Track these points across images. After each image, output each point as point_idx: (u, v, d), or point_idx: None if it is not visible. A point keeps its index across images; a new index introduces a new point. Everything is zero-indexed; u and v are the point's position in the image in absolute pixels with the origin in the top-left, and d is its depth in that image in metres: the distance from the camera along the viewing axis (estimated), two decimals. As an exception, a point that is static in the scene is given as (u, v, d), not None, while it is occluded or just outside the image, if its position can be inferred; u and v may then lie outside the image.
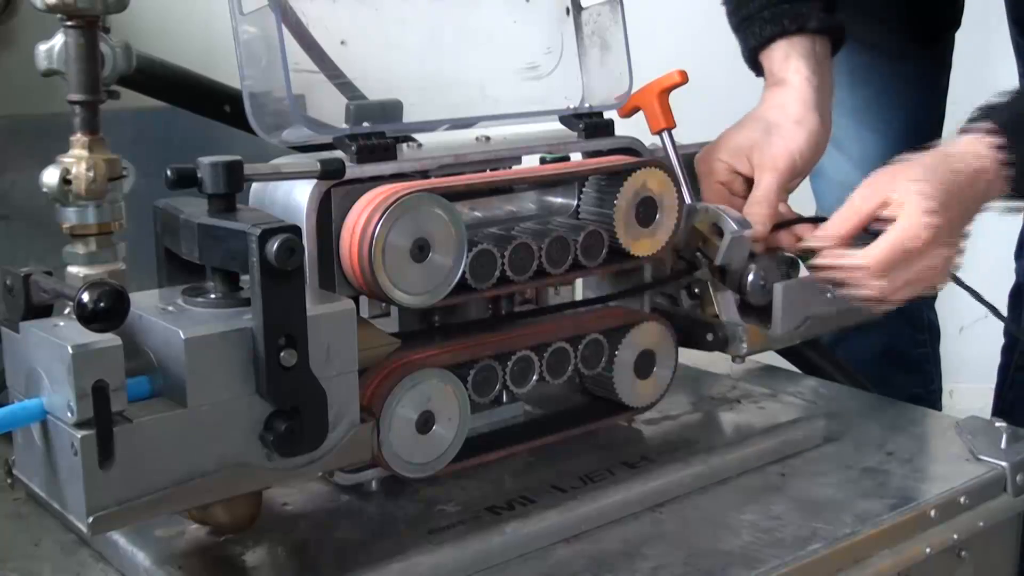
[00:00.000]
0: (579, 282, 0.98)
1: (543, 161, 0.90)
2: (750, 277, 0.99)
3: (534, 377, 0.86)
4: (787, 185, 1.06)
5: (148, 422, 0.63)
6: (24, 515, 0.84)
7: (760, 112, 1.09)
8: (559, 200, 0.90)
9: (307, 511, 0.81)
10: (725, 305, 0.98)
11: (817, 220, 1.05)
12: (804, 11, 1.08)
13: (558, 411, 0.94)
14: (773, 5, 1.09)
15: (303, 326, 0.66)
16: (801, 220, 1.06)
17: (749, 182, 1.07)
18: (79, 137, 0.84)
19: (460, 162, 0.84)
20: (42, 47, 0.85)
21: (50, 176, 0.84)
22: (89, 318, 0.60)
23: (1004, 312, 1.59)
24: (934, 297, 1.58)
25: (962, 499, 0.89)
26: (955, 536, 0.88)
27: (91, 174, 0.83)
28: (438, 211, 0.77)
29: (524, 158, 0.89)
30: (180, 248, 0.72)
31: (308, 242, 0.75)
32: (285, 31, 0.77)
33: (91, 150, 0.84)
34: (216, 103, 1.15)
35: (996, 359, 1.59)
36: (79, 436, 0.61)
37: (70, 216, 0.85)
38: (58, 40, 0.84)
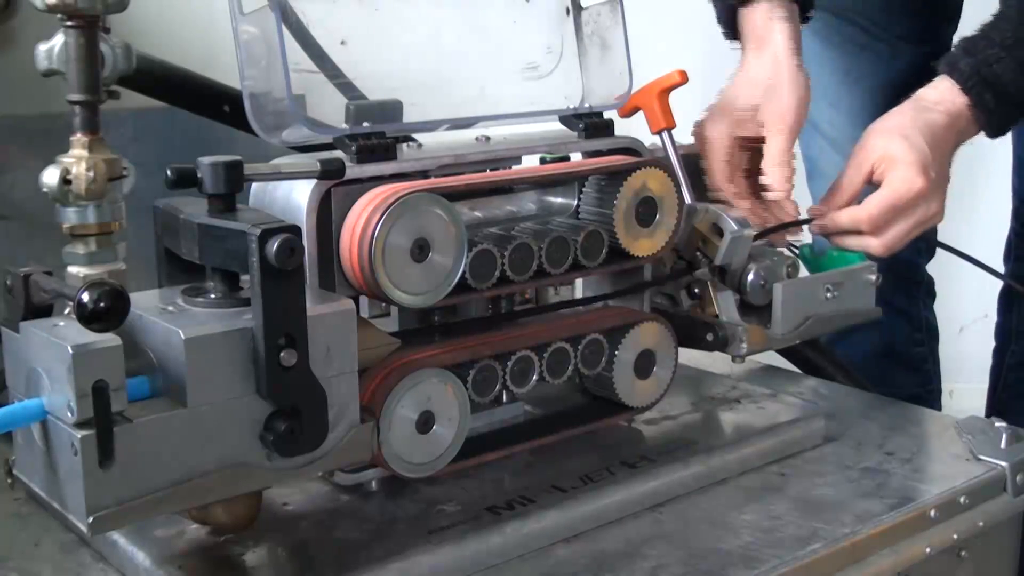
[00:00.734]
0: (579, 282, 0.98)
1: (543, 161, 0.90)
2: (750, 277, 0.99)
3: (534, 377, 0.86)
4: (794, 141, 1.08)
5: (148, 422, 0.63)
6: (24, 515, 0.84)
7: (752, 74, 1.10)
8: (559, 200, 0.90)
9: (307, 511, 0.81)
10: (725, 305, 0.98)
11: (804, 222, 1.06)
12: None
13: (558, 411, 0.94)
14: None
15: (303, 326, 0.66)
16: (798, 223, 1.07)
17: (749, 153, 1.08)
18: (79, 137, 0.84)
19: (460, 162, 0.84)
20: (42, 47, 0.85)
21: (50, 176, 0.84)
22: (89, 318, 0.60)
23: (995, 315, 1.60)
24: (933, 298, 1.59)
25: (962, 499, 0.89)
26: (955, 536, 0.89)
27: (91, 174, 0.83)
28: (438, 211, 0.77)
29: (524, 158, 0.89)
30: (180, 248, 0.72)
31: (308, 242, 0.75)
32: (285, 31, 0.77)
33: (91, 150, 0.84)
34: (216, 103, 1.15)
35: (994, 360, 1.60)
36: (79, 436, 0.61)
37: (70, 216, 0.85)
38: (58, 40, 0.84)
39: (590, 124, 0.91)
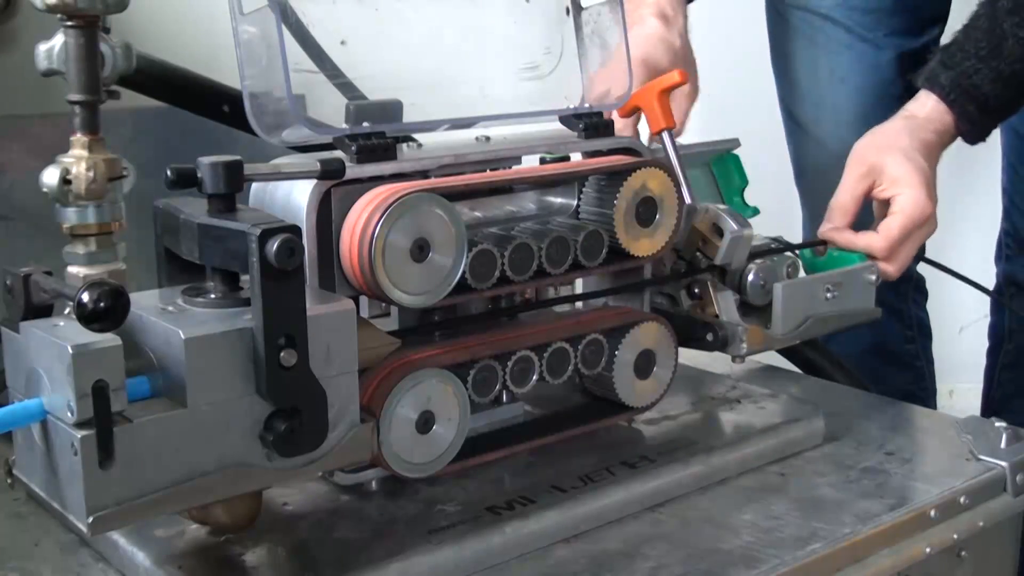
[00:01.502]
0: (579, 282, 0.98)
1: (543, 161, 0.90)
2: (750, 277, 0.99)
3: (534, 377, 0.86)
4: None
5: (148, 422, 0.63)
6: (24, 515, 0.84)
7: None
8: (559, 200, 0.90)
9: (307, 511, 0.81)
10: (725, 305, 0.98)
11: (819, 244, 1.07)
12: None
13: (558, 411, 0.94)
14: None
15: (303, 326, 0.66)
16: (811, 244, 1.07)
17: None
18: (79, 137, 0.84)
19: (460, 162, 0.84)
20: (42, 47, 0.85)
21: (50, 176, 0.84)
22: (89, 318, 0.60)
23: (988, 315, 1.60)
24: (924, 296, 1.60)
25: (962, 499, 0.89)
26: (955, 536, 0.89)
27: (91, 174, 0.83)
28: (438, 211, 0.77)
29: (524, 158, 0.89)
30: (180, 248, 0.72)
31: (308, 242, 0.75)
32: (285, 31, 0.77)
33: (91, 150, 0.84)
34: (216, 103, 1.15)
35: (996, 360, 1.60)
36: (79, 436, 0.61)
37: (70, 216, 0.85)
38: (58, 40, 0.84)
39: (590, 124, 0.91)
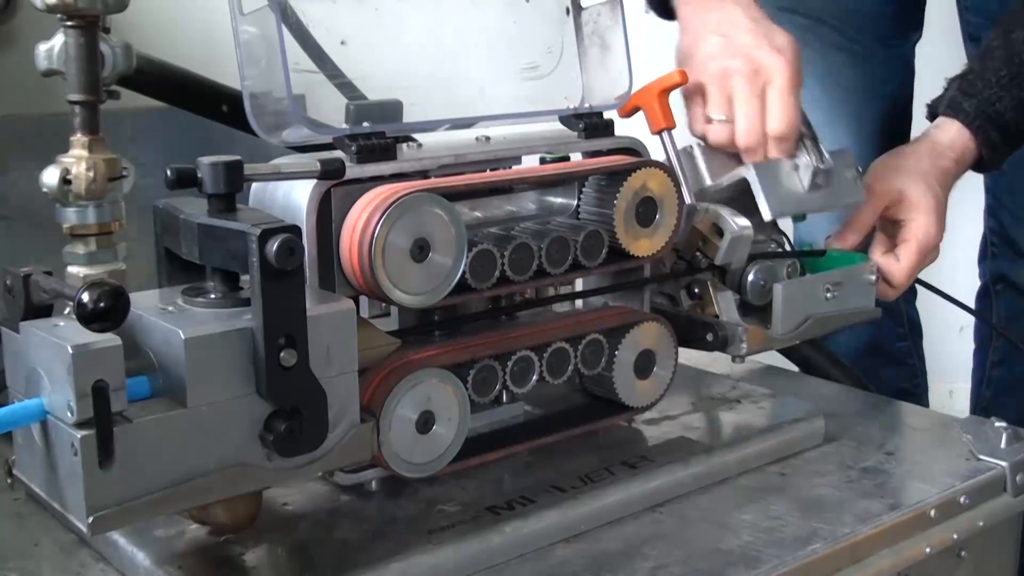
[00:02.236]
0: (579, 282, 0.98)
1: (543, 161, 0.90)
2: (750, 277, 0.99)
3: (534, 377, 0.86)
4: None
5: (148, 422, 0.63)
6: (24, 515, 0.85)
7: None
8: (559, 200, 0.90)
9: (307, 511, 0.81)
10: (725, 305, 0.98)
11: (816, 253, 1.07)
12: None
13: (558, 411, 0.94)
14: None
15: (303, 326, 0.66)
16: (815, 252, 1.08)
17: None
18: (79, 137, 0.84)
19: (460, 162, 0.84)
20: (42, 47, 0.85)
21: (50, 176, 0.84)
22: (89, 318, 0.60)
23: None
24: (915, 295, 1.60)
25: (962, 499, 0.89)
26: (955, 536, 0.89)
27: (91, 174, 0.83)
28: (438, 211, 0.77)
29: (524, 158, 0.89)
30: (180, 248, 0.72)
31: (308, 242, 0.75)
32: (285, 31, 0.77)
33: (91, 150, 0.84)
34: (216, 103, 1.15)
35: (996, 359, 1.60)
36: (79, 436, 0.61)
37: (70, 216, 0.85)
38: (58, 40, 0.84)
39: (590, 124, 0.91)
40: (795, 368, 1.21)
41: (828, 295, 1.01)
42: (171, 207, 0.72)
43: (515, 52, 0.94)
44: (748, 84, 1.00)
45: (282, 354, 0.66)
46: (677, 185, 0.90)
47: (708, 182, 1.03)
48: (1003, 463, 0.93)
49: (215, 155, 0.69)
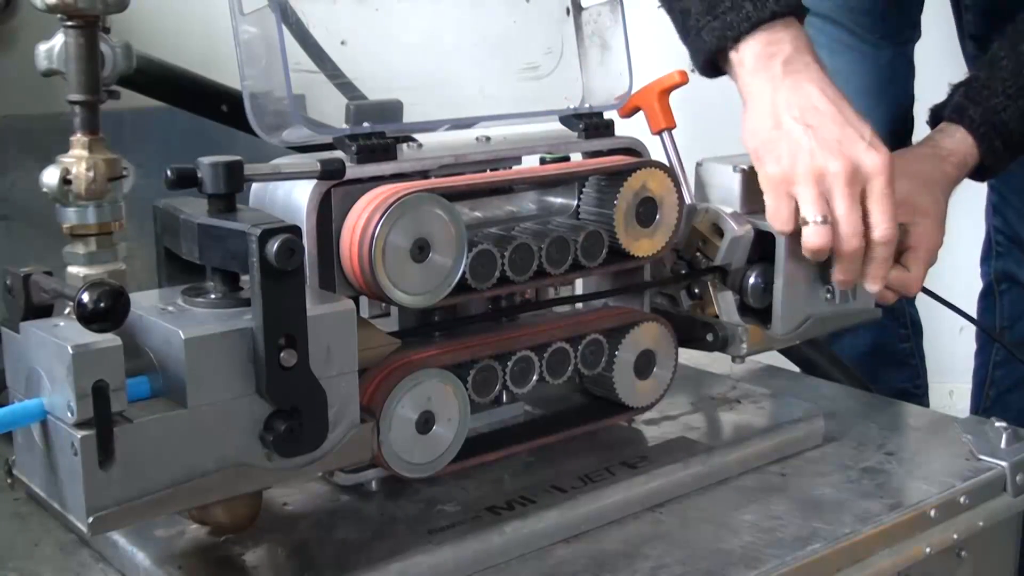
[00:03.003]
0: (579, 282, 0.98)
1: (543, 161, 0.90)
2: (751, 279, 0.99)
3: (534, 377, 0.86)
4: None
5: (148, 422, 0.63)
6: (24, 515, 0.84)
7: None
8: (559, 200, 0.90)
9: (307, 511, 0.81)
10: (725, 305, 0.98)
11: None
12: None
13: (558, 411, 0.94)
14: None
15: (303, 326, 0.66)
16: None
17: None
18: (79, 137, 0.84)
19: (460, 162, 0.84)
20: (42, 47, 0.85)
21: (50, 176, 0.84)
22: (89, 318, 0.60)
23: (977, 315, 1.61)
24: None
25: (962, 499, 0.89)
26: (955, 536, 0.89)
27: (91, 174, 0.83)
28: (438, 211, 0.77)
29: (524, 158, 0.89)
30: (180, 248, 0.72)
31: (308, 242, 0.75)
32: (285, 31, 0.77)
33: (91, 150, 0.84)
34: (216, 103, 1.15)
35: (996, 359, 1.60)
36: (79, 436, 0.61)
37: (70, 216, 0.85)
38: (58, 40, 0.84)
39: (590, 124, 0.91)
40: (795, 368, 1.21)
41: (828, 295, 1.01)
42: (171, 207, 0.72)
43: (515, 52, 0.94)
44: (847, 187, 0.92)
45: (282, 354, 0.66)
46: (677, 185, 0.90)
47: (739, 209, 0.99)
48: (1003, 463, 0.93)
49: (215, 155, 0.69)
